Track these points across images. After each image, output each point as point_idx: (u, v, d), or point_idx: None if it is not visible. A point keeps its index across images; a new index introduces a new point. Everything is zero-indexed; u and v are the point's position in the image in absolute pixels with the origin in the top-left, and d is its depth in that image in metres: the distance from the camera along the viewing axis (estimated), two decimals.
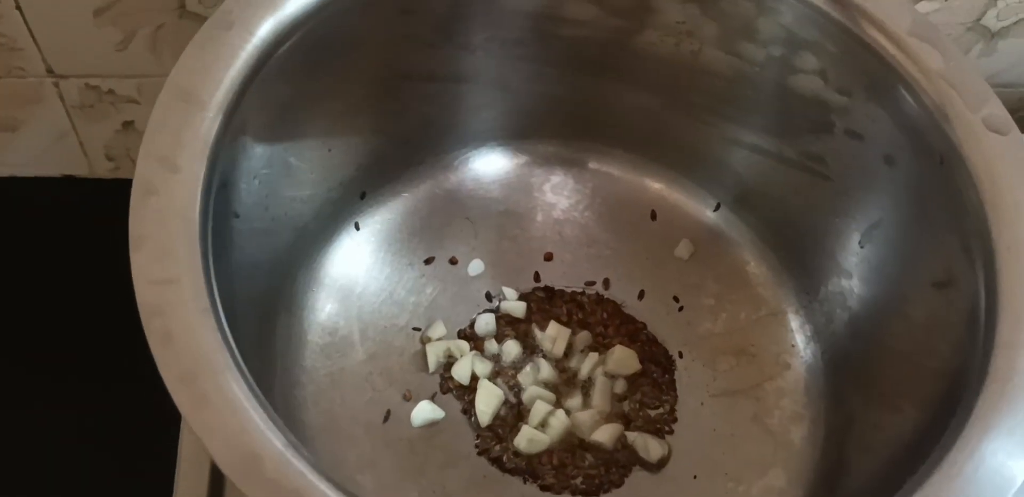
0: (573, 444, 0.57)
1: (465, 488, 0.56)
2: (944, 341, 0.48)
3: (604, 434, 0.57)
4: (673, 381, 0.60)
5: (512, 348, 0.60)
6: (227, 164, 0.47)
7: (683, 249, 0.64)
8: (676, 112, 0.61)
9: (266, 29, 0.47)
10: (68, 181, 0.78)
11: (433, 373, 0.59)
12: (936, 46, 0.50)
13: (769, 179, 0.61)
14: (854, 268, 0.57)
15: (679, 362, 0.60)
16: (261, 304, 0.55)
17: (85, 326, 0.74)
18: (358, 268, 0.61)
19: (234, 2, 0.48)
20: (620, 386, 0.59)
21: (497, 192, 0.65)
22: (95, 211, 0.75)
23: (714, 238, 0.64)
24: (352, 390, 0.58)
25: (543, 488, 0.56)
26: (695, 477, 0.57)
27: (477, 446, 0.57)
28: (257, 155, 0.51)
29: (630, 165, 0.65)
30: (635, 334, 0.61)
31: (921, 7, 0.64)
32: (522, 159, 0.65)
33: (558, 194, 0.65)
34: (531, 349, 0.60)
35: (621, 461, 0.57)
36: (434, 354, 0.59)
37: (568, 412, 0.58)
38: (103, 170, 0.77)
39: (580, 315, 0.61)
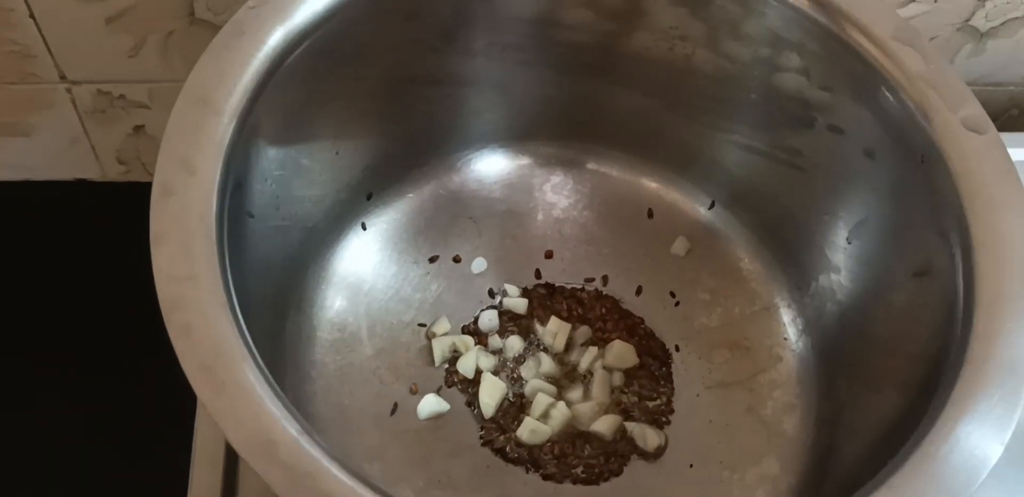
0: (573, 435, 0.58)
1: (469, 477, 0.56)
2: (925, 328, 0.49)
3: (603, 425, 0.58)
4: (670, 374, 0.60)
5: (515, 343, 0.60)
6: (241, 166, 0.47)
7: (679, 246, 0.64)
8: (671, 113, 0.61)
9: (277, 37, 0.48)
10: (81, 184, 0.78)
11: (438, 367, 0.59)
12: (918, 49, 0.50)
13: (761, 177, 0.61)
14: (842, 263, 0.58)
15: (676, 355, 0.61)
16: (273, 301, 0.56)
17: (99, 326, 0.74)
18: (365, 266, 0.62)
19: (245, 12, 0.49)
20: (619, 379, 0.60)
21: (499, 192, 0.65)
22: (107, 213, 0.76)
23: (709, 235, 0.64)
24: (360, 384, 0.58)
25: (545, 477, 0.57)
26: (691, 466, 0.58)
27: (481, 437, 0.58)
28: (270, 157, 0.52)
29: (627, 165, 0.65)
30: (633, 329, 0.61)
31: (911, 9, 0.64)
32: (523, 160, 0.66)
33: (558, 194, 0.66)
34: (533, 344, 0.61)
35: (620, 451, 0.57)
36: (440, 349, 0.59)
37: (569, 404, 0.58)
38: (115, 173, 0.78)
39: (580, 311, 0.62)
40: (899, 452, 0.43)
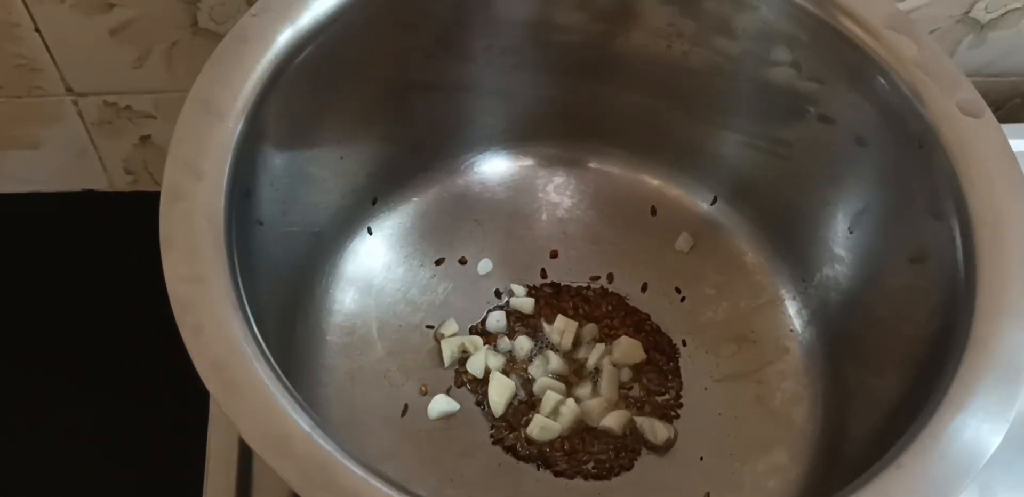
0: (583, 431, 0.58)
1: (482, 476, 0.56)
2: (928, 311, 0.49)
3: (613, 420, 0.58)
4: (678, 368, 0.60)
5: (524, 343, 0.60)
6: (248, 171, 0.48)
7: (683, 242, 0.64)
8: (670, 111, 0.62)
9: (280, 44, 0.49)
10: (89, 195, 0.79)
11: (448, 368, 0.60)
12: (910, 36, 0.51)
13: (762, 171, 0.62)
14: (845, 253, 0.58)
15: (683, 350, 0.61)
16: (282, 306, 0.56)
17: (110, 335, 0.75)
18: (373, 270, 0.62)
19: (248, 20, 0.49)
20: (627, 374, 0.60)
21: (503, 194, 0.66)
22: (116, 223, 0.76)
23: (712, 230, 0.65)
24: (371, 386, 0.58)
25: (556, 474, 0.57)
26: (702, 458, 0.58)
27: (492, 436, 0.58)
28: (275, 163, 0.52)
29: (629, 163, 0.66)
30: (640, 325, 0.61)
31: (911, 1, 0.65)
32: (526, 162, 0.66)
33: (561, 194, 0.66)
34: (540, 342, 0.61)
35: (630, 446, 0.58)
36: (449, 350, 0.60)
37: (578, 401, 0.58)
38: (122, 184, 0.78)
39: (586, 308, 0.62)
40: (907, 431, 0.43)
